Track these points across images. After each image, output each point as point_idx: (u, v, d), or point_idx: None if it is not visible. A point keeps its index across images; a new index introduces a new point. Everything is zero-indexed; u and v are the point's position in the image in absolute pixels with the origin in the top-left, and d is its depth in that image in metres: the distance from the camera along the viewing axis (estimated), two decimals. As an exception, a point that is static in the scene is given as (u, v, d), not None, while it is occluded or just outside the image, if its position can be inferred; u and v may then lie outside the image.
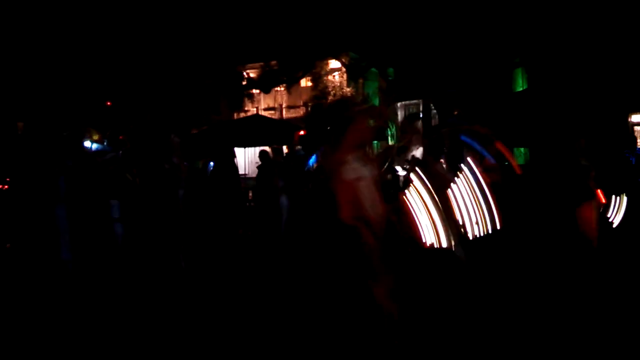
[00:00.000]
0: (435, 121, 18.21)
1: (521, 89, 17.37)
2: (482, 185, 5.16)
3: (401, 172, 14.63)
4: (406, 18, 17.04)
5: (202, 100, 21.12)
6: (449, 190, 5.22)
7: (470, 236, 5.13)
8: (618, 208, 7.38)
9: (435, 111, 18.48)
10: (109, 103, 20.44)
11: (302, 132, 13.51)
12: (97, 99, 19.56)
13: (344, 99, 21.69)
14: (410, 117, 21.21)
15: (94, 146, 15.80)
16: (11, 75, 17.02)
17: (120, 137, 15.33)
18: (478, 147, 5.75)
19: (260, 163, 10.79)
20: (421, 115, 18.72)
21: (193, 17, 19.10)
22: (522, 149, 15.65)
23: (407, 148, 17.72)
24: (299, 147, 9.99)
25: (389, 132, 19.84)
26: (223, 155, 10.13)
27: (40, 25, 17.16)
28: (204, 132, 15.63)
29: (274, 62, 21.80)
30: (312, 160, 8.92)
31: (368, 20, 17.97)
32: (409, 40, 17.34)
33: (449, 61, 16.49)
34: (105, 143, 16.20)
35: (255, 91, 23.99)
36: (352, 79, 21.77)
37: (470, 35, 15.99)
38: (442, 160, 6.31)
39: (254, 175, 11.96)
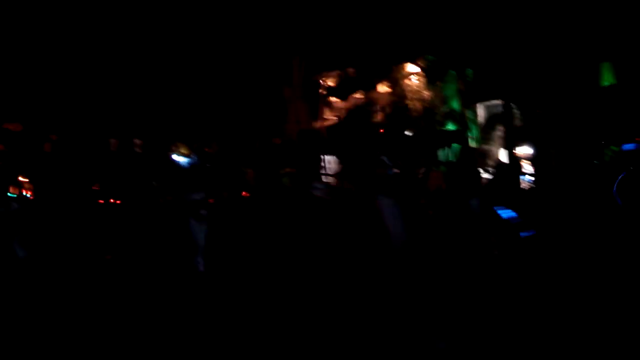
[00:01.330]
0: (518, 122, 17.76)
1: (608, 84, 16.65)
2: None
3: (484, 175, 14.38)
4: (483, 17, 16.79)
5: (282, 110, 21.62)
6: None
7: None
8: None
9: (517, 112, 18.03)
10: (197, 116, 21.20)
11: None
12: (185, 113, 20.39)
13: (422, 102, 21.55)
14: (492, 120, 20.90)
15: (182, 160, 16.54)
16: (105, 93, 18.02)
17: (206, 149, 16.00)
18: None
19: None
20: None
21: (274, 28, 19.61)
22: (613, 147, 15.02)
23: (489, 151, 17.51)
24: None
25: (470, 135, 19.55)
26: (307, 163, 10.37)
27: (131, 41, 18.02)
28: (287, 142, 15.99)
29: (351, 70, 21.99)
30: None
31: (445, 22, 17.83)
32: (487, 39, 17.06)
33: (530, 58, 16.10)
34: (193, 156, 16.85)
35: (333, 99, 24.25)
36: (430, 82, 21.57)
37: (552, 30, 15.54)
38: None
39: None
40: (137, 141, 19.24)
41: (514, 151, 16.77)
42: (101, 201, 12.02)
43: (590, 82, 16.16)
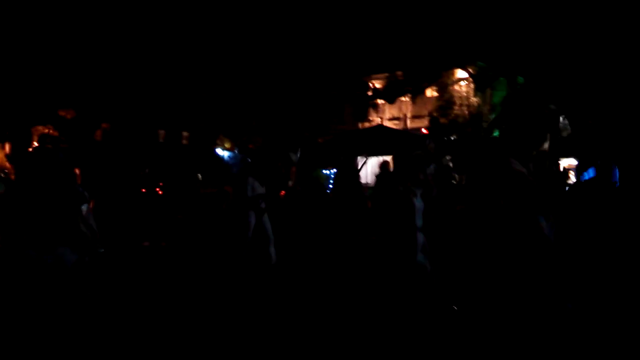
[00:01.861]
0: (567, 131, 17.33)
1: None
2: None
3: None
4: (535, 24, 16.48)
5: (328, 110, 21.73)
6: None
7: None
8: None
9: (566, 121, 17.60)
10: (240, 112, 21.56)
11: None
12: (229, 109, 20.71)
13: (470, 109, 21.33)
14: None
15: (226, 154, 16.82)
16: (156, 85, 18.41)
17: (250, 145, 16.24)
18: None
19: (379, 172, 10.92)
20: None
21: (321, 28, 19.72)
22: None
23: (540, 159, 16.83)
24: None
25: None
26: (345, 164, 10.40)
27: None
28: (329, 142, 16.06)
29: (399, 73, 21.93)
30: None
31: (496, 28, 17.58)
32: (539, 47, 16.74)
33: (583, 67, 15.71)
34: (236, 150, 17.12)
35: (380, 101, 24.24)
36: (479, 89, 21.29)
37: (604, 38, 15.13)
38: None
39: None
40: (185, 133, 19.76)
41: (559, 161, 16.38)
42: (144, 190, 12.36)
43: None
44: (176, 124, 18.72)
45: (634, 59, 15.07)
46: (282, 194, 11.10)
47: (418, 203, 6.23)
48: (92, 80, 16.74)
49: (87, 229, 7.08)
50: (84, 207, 7.31)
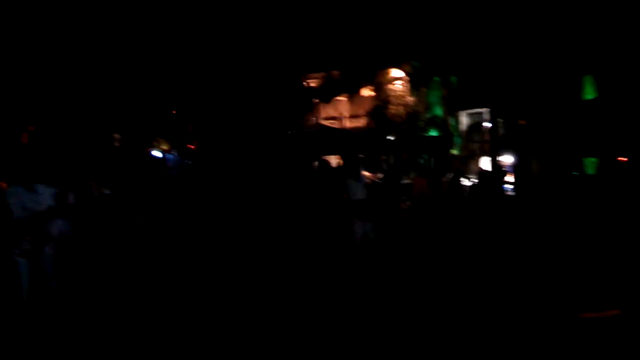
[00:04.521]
0: (502, 131, 17.84)
1: (590, 97, 16.82)
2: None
3: (465, 182, 14.37)
4: (469, 25, 16.84)
5: (263, 110, 21.42)
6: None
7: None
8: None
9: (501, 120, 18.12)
10: (173, 112, 20.90)
11: None
12: (164, 109, 20.08)
13: (406, 108, 21.56)
14: (474, 127, 20.97)
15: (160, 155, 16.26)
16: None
17: (189, 145, 15.80)
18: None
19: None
20: (489, 125, 18.42)
21: (255, 27, 19.43)
22: (592, 159, 15.15)
23: (471, 158, 17.49)
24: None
25: (454, 142, 19.59)
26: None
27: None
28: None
29: (335, 72, 21.90)
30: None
31: (430, 29, 17.86)
32: (472, 48, 17.12)
33: (514, 68, 16.17)
34: (175, 153, 16.61)
35: (315, 100, 24.13)
36: (414, 88, 21.58)
37: (537, 41, 15.63)
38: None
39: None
40: (117, 136, 18.96)
41: (496, 160, 16.84)
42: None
43: (573, 94, 16.32)
44: (107, 125, 17.95)
45: (562, 62, 15.66)
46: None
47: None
48: (16, 80, 15.83)
49: None
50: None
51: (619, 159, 13.26)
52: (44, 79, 16.24)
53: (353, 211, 6.94)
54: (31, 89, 16.08)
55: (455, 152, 19.17)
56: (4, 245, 5.06)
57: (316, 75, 22.95)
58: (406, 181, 13.66)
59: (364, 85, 22.47)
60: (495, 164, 16.60)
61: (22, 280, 5.01)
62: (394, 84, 22.79)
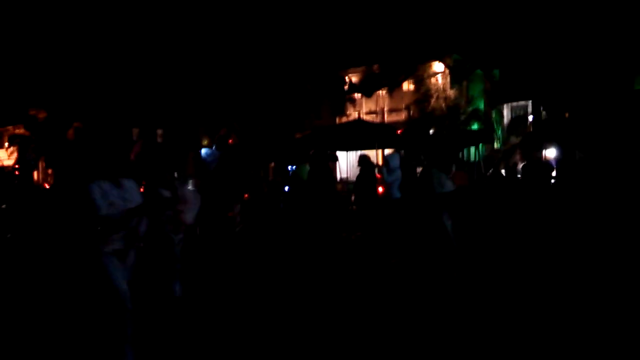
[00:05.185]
0: (546, 123, 17.43)
1: (640, 87, 16.25)
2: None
3: (504, 175, 13.94)
4: (511, 16, 16.49)
5: (305, 105, 21.52)
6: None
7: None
8: None
9: (544, 112, 17.70)
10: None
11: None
12: (205, 105, 20.38)
13: (447, 102, 21.34)
14: (517, 120, 20.49)
15: (203, 151, 16.44)
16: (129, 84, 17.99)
17: (230, 140, 15.97)
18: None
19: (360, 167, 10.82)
20: (532, 117, 18.01)
21: (296, 22, 19.48)
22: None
23: (514, 152, 17.10)
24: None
25: (495, 135, 19.27)
26: (318, 159, 10.24)
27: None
28: (307, 137, 15.91)
29: (376, 66, 21.82)
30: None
31: (472, 21, 17.56)
32: (515, 40, 16.76)
33: (559, 59, 15.75)
34: (214, 147, 16.73)
35: (357, 95, 24.13)
36: (455, 81, 21.31)
37: (580, 31, 15.18)
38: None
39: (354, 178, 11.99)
40: (159, 131, 19.42)
41: (538, 153, 16.43)
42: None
43: (622, 85, 15.78)
44: (150, 121, 18.35)
45: (609, 54, 15.17)
46: (245, 196, 10.95)
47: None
48: (63, 78, 16.31)
49: None
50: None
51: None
52: (88, 76, 16.66)
53: (442, 205, 6.63)
54: (76, 86, 16.51)
55: (497, 145, 18.86)
56: (90, 244, 4.51)
57: (357, 69, 22.95)
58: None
59: (405, 79, 22.32)
60: (537, 157, 16.20)
61: (116, 284, 4.38)
62: (435, 78, 22.60)
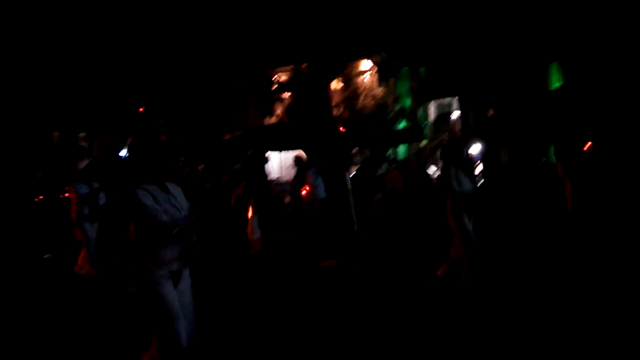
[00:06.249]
0: (470, 120, 17.92)
1: (556, 85, 17.00)
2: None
3: (432, 172, 14.26)
4: (435, 15, 16.84)
5: (234, 105, 21.19)
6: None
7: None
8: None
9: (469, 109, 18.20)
10: (138, 106, 20.45)
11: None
12: (130, 104, 19.72)
13: (375, 100, 21.53)
14: (442, 117, 21.01)
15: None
16: (47, 84, 17.19)
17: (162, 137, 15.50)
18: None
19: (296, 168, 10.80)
20: (458, 113, 18.44)
21: (222, 21, 19.13)
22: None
23: (440, 148, 17.35)
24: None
25: (422, 132, 19.64)
26: (256, 160, 10.11)
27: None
28: (238, 137, 15.64)
29: (304, 65, 21.75)
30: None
31: (398, 19, 17.80)
32: (440, 38, 17.13)
33: (481, 58, 16.23)
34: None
35: (285, 95, 23.99)
36: (383, 79, 21.55)
37: (503, 30, 15.69)
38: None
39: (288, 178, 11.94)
40: (81, 135, 18.56)
41: (465, 149, 16.85)
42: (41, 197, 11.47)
43: (540, 82, 16.44)
44: (71, 125, 17.55)
45: (528, 51, 15.77)
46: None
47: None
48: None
49: None
50: None
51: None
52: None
53: (463, 205, 6.27)
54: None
55: (424, 142, 19.23)
56: (140, 266, 3.47)
57: (285, 68, 22.79)
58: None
59: (334, 77, 22.36)
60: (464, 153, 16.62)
61: (173, 314, 3.39)
62: (363, 76, 22.78)
